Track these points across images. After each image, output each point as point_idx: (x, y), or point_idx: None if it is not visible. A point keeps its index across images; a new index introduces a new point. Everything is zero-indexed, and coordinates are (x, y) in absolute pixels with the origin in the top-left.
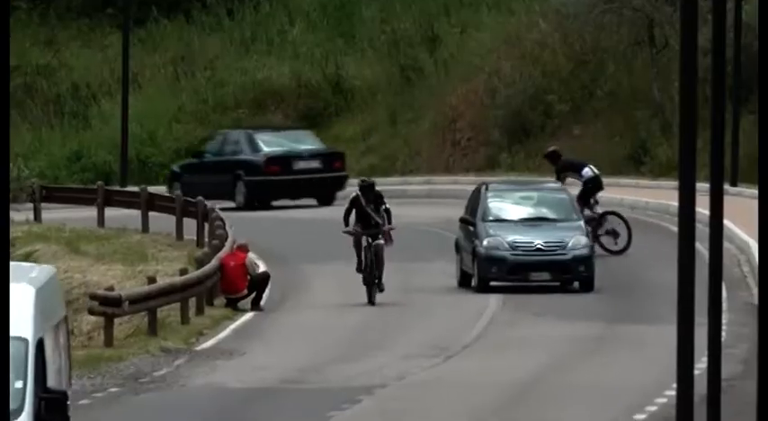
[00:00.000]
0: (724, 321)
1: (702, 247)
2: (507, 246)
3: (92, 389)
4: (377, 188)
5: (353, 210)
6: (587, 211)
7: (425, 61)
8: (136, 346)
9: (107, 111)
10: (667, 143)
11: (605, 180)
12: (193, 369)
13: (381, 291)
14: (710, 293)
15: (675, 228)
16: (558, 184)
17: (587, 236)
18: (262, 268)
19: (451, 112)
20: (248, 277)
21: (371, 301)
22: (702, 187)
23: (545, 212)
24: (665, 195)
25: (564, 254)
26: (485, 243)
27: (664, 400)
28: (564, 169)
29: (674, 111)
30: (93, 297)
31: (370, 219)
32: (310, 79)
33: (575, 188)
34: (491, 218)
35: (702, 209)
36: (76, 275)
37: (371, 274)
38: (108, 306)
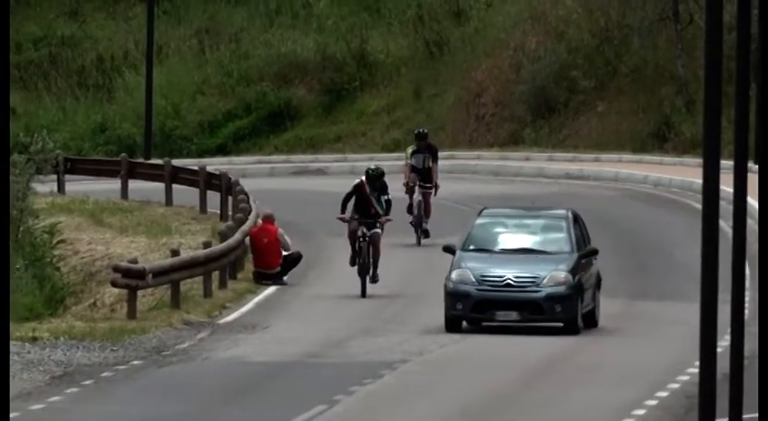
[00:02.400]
0: (747, 298)
1: (726, 225)
2: (474, 279)
3: (114, 362)
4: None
5: (353, 197)
6: None
7: (451, 36)
8: (159, 319)
9: (131, 84)
10: (692, 120)
11: (629, 157)
12: (216, 342)
13: (375, 282)
14: (734, 271)
15: (699, 206)
16: (563, 212)
17: (572, 270)
18: (289, 242)
19: (476, 87)
20: (282, 253)
21: (364, 294)
22: (727, 164)
23: (535, 243)
24: (689, 172)
25: (536, 291)
26: (453, 276)
27: (686, 378)
28: None
29: (699, 87)
30: (117, 269)
31: (370, 209)
32: (335, 53)
33: None
34: (472, 247)
35: (726, 186)
36: (99, 247)
37: (364, 265)
38: (131, 278)
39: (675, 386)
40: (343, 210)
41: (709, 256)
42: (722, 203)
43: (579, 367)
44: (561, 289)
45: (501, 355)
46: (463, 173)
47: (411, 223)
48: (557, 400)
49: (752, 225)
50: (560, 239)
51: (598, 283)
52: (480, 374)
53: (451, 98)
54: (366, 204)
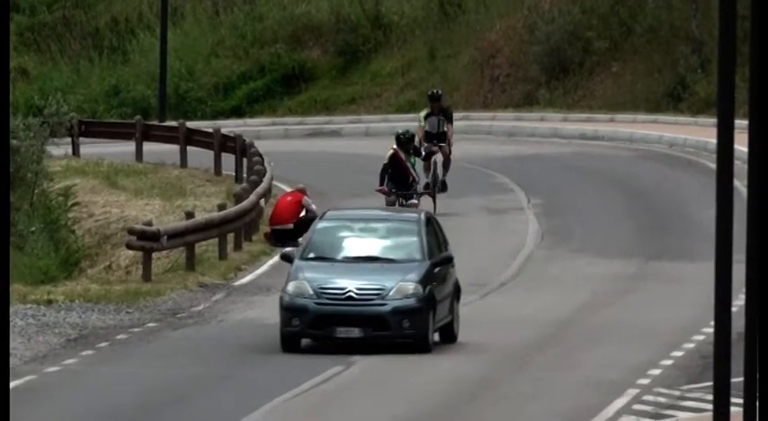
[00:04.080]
0: None
1: (741, 185)
2: (312, 292)
3: (129, 324)
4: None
5: (390, 169)
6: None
7: None
8: (174, 281)
9: (146, 46)
10: (706, 79)
11: (644, 117)
12: (231, 304)
13: None
14: (749, 231)
15: (713, 165)
16: (414, 215)
17: (423, 281)
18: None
19: (490, 48)
20: (300, 216)
21: None
22: (741, 124)
23: (382, 250)
24: (704, 132)
25: (382, 304)
26: (289, 288)
27: (701, 337)
28: None
29: (714, 47)
30: (132, 231)
31: (407, 177)
32: (349, 14)
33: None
34: (312, 255)
35: (741, 146)
36: (114, 210)
37: None
38: (146, 240)
39: (691, 346)
40: (382, 181)
41: (723, 216)
42: (737, 163)
43: (595, 327)
44: (410, 301)
45: (516, 316)
46: (478, 134)
47: (427, 192)
48: (572, 360)
49: None
50: (411, 246)
51: (456, 294)
52: (495, 335)
53: (466, 59)
54: (404, 173)
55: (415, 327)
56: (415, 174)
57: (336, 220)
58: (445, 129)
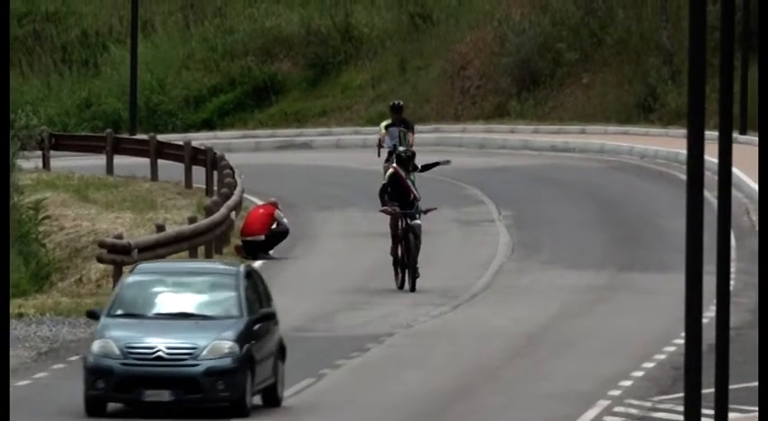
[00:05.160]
0: (732, 270)
1: (711, 196)
2: (119, 352)
3: None
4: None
5: (389, 188)
6: None
7: (435, 8)
8: None
9: (117, 59)
10: (677, 90)
11: (614, 128)
12: None
13: (418, 277)
14: (719, 242)
15: (684, 177)
16: (234, 268)
17: (240, 339)
18: (286, 225)
19: (461, 60)
20: (271, 228)
21: (402, 286)
22: (712, 135)
23: (196, 306)
24: (674, 143)
25: (194, 365)
26: (93, 348)
27: (672, 349)
28: None
29: (685, 58)
30: (102, 245)
31: (409, 195)
32: (319, 27)
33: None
34: (120, 311)
35: (711, 157)
36: (85, 223)
37: (409, 261)
38: (117, 254)
39: (662, 357)
40: (383, 201)
41: (693, 227)
42: (707, 174)
43: (566, 339)
44: (225, 362)
45: (487, 327)
46: (448, 146)
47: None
48: (544, 372)
49: (737, 196)
50: (228, 301)
51: (281, 353)
52: (466, 347)
53: (436, 71)
54: (404, 191)
55: (230, 390)
56: (416, 192)
57: (148, 274)
58: (408, 140)
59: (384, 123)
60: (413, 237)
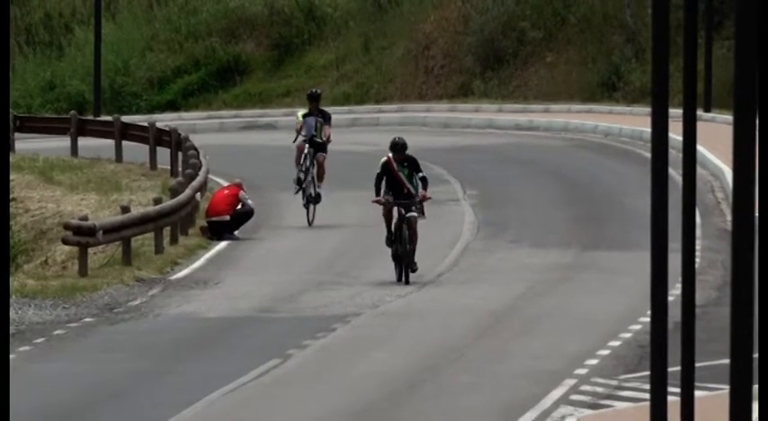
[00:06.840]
0: (698, 247)
1: (676, 173)
2: None
3: (66, 319)
4: (413, 156)
5: (384, 177)
6: None
7: None
8: (110, 276)
9: (81, 40)
10: (641, 69)
11: (578, 107)
12: (168, 298)
13: (414, 271)
14: (684, 219)
15: (649, 155)
16: None
17: None
18: (251, 205)
19: (425, 40)
20: (236, 209)
21: (402, 279)
22: (676, 113)
23: None
24: (639, 121)
25: None
26: None
27: (638, 327)
28: None
29: (648, 36)
30: (67, 226)
31: (402, 188)
32: (283, 7)
33: None
34: None
35: (676, 135)
36: (50, 205)
37: (404, 252)
38: (82, 235)
39: (628, 335)
40: (378, 192)
41: (658, 205)
42: (672, 152)
43: (532, 318)
44: None
45: (453, 307)
46: (413, 125)
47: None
48: (510, 351)
49: (701, 173)
50: None
51: None
52: (433, 326)
53: (400, 51)
54: (398, 183)
55: None
56: (410, 187)
57: None
58: (324, 133)
59: (301, 112)
60: (407, 229)
